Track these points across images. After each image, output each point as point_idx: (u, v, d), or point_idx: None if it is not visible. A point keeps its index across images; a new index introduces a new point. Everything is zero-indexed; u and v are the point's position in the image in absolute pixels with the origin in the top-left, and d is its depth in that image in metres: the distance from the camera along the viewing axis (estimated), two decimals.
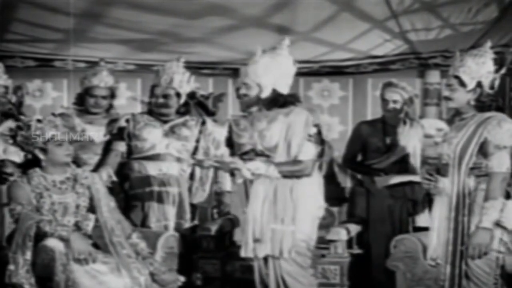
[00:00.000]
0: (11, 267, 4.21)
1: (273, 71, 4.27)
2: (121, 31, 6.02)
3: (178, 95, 5.30)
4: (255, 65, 4.30)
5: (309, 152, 4.25)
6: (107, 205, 4.54)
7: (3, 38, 6.22)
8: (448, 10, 5.73)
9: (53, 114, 5.16)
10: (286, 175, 4.24)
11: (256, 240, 4.26)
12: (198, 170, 5.38)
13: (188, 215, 5.35)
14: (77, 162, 4.62)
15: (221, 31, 6.04)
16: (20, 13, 5.73)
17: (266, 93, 4.29)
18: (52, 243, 4.28)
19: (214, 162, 4.34)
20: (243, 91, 4.37)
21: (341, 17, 5.76)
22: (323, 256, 5.16)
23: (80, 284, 4.17)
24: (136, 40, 6.28)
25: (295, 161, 4.25)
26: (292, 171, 4.25)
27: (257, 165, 4.23)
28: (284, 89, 4.32)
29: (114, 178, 4.62)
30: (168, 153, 5.30)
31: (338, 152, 6.36)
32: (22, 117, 5.22)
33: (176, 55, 5.49)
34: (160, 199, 5.27)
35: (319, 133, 4.28)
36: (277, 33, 6.03)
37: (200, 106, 6.86)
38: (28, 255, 4.21)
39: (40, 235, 4.29)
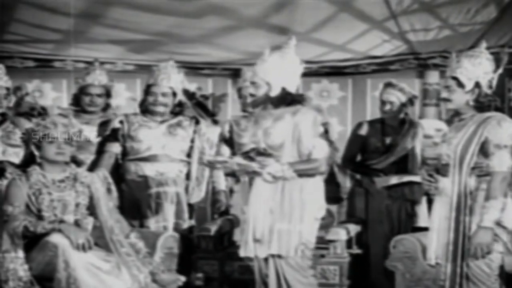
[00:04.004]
0: (9, 265, 4.17)
1: (282, 70, 4.24)
2: (120, 31, 6.02)
3: (174, 94, 5.31)
4: (264, 63, 4.26)
5: (323, 149, 4.22)
6: (106, 204, 4.53)
7: (2, 39, 6.22)
8: (447, 10, 5.74)
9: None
10: (300, 174, 4.20)
11: (256, 241, 4.25)
12: (194, 170, 5.38)
13: (186, 215, 5.35)
14: (76, 162, 4.60)
15: (220, 31, 6.04)
16: (19, 13, 5.73)
17: (275, 92, 4.24)
18: (56, 239, 4.22)
19: (233, 165, 4.29)
20: (250, 90, 4.35)
21: (340, 18, 5.76)
22: (322, 256, 5.15)
23: (82, 281, 4.15)
24: (135, 40, 6.29)
25: (310, 160, 4.21)
26: (307, 169, 4.20)
27: (276, 168, 4.19)
28: (292, 88, 4.29)
29: (110, 180, 4.61)
30: (165, 154, 5.30)
31: (337, 152, 6.37)
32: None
33: (175, 56, 5.50)
34: (158, 199, 5.27)
35: (326, 132, 4.26)
36: (276, 33, 6.04)
37: (199, 107, 6.87)
38: (20, 253, 4.20)
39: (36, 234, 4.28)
